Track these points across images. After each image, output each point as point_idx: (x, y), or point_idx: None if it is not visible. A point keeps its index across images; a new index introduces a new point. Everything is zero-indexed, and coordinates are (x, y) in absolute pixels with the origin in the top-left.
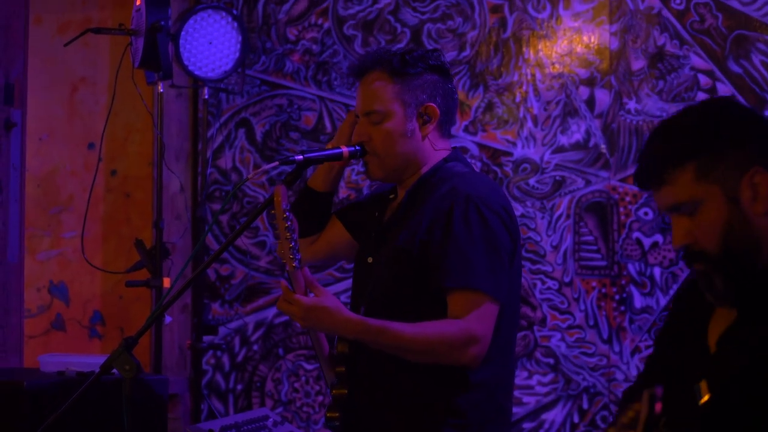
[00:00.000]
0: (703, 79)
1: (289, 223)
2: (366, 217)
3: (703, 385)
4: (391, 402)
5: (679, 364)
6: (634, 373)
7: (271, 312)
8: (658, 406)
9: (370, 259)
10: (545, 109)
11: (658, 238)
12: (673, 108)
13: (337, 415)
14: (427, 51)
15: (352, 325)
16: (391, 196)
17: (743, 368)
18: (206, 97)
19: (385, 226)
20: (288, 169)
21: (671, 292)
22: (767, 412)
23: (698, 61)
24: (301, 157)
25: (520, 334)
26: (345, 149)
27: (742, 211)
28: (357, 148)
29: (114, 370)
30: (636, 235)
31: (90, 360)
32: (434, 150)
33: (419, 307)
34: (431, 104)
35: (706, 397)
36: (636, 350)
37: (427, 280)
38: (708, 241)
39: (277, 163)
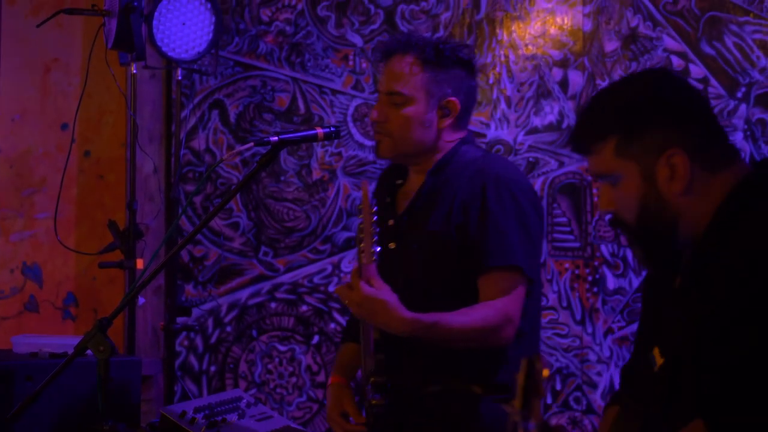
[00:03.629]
0: (676, 61)
1: (375, 218)
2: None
3: (656, 351)
4: (431, 382)
5: (642, 331)
6: (606, 354)
7: (244, 293)
8: (543, 373)
9: (392, 245)
10: (518, 91)
11: None
12: None
13: (383, 402)
14: (459, 45)
15: (406, 323)
16: (399, 182)
17: (685, 332)
18: (179, 78)
19: (407, 210)
20: (263, 150)
21: (644, 273)
22: (711, 372)
23: (671, 42)
24: (276, 138)
25: None
26: (320, 130)
27: (658, 189)
28: (332, 129)
29: (88, 351)
30: (609, 216)
31: (63, 341)
32: (445, 141)
33: (456, 289)
34: (453, 99)
35: (659, 363)
36: (609, 331)
37: (464, 262)
38: (626, 213)
39: (251, 144)
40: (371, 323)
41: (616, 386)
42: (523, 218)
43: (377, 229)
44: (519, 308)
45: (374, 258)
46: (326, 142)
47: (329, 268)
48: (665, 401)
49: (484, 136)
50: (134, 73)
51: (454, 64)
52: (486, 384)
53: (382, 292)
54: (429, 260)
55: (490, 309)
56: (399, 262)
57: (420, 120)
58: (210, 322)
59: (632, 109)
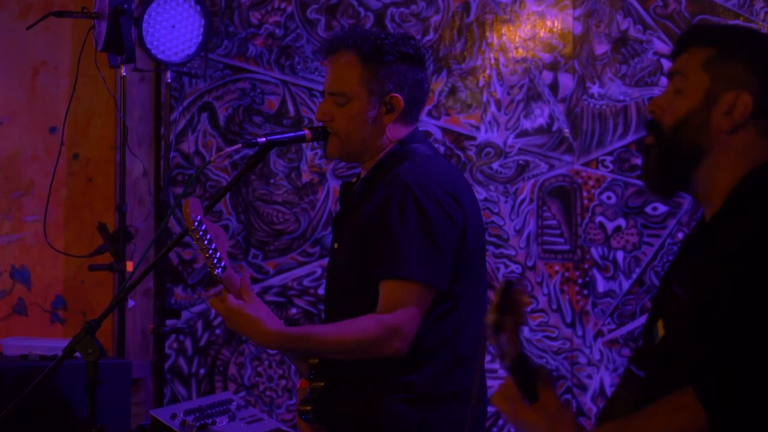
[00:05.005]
0: (666, 64)
1: (200, 233)
2: None
3: (660, 323)
4: (348, 385)
5: (652, 304)
6: (597, 356)
7: None
8: (523, 299)
9: (336, 245)
10: (508, 94)
11: (621, 222)
12: (636, 93)
13: (309, 408)
14: (401, 38)
15: (271, 336)
16: (354, 180)
17: (684, 305)
18: (169, 80)
19: (344, 210)
20: (251, 152)
21: (634, 276)
22: (701, 340)
23: (661, 45)
24: (263, 139)
25: None
26: (308, 131)
27: (709, 115)
28: (320, 126)
29: (77, 354)
30: (599, 219)
31: (53, 344)
32: (393, 137)
33: (373, 294)
34: (396, 95)
35: (660, 335)
36: (599, 334)
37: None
38: (667, 117)
39: (239, 145)
40: (242, 336)
41: (607, 389)
42: (429, 227)
43: (213, 245)
44: (411, 320)
45: (217, 273)
46: (315, 144)
47: (319, 271)
48: (660, 374)
49: (473, 138)
50: (124, 76)
51: (395, 59)
52: (392, 383)
53: (249, 305)
54: (349, 261)
55: (372, 321)
56: (336, 262)
57: (363, 118)
58: (199, 325)
59: (741, 40)
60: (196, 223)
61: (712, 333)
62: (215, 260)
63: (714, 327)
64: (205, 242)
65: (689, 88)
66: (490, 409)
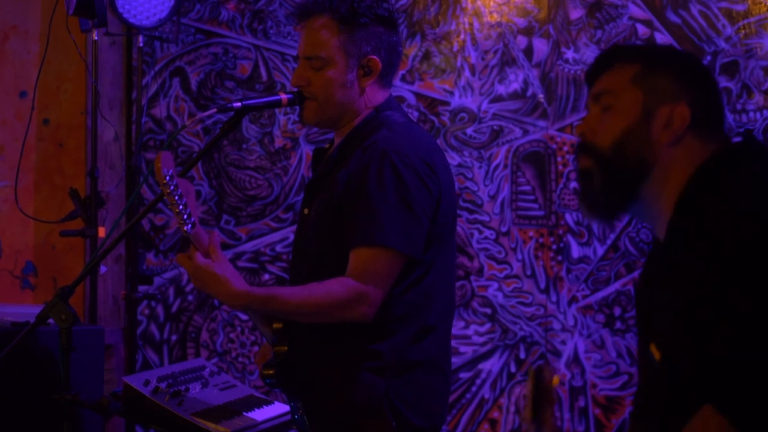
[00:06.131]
0: (642, 29)
1: (172, 188)
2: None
3: (653, 347)
4: (314, 351)
5: (639, 325)
6: (571, 323)
7: None
8: (553, 381)
9: (306, 210)
10: (483, 59)
11: None
12: None
13: (272, 372)
14: (375, 0)
15: (238, 296)
16: (327, 146)
17: (671, 323)
18: (141, 45)
19: (317, 176)
20: (224, 118)
21: (608, 241)
22: (706, 356)
23: (637, 10)
24: (239, 104)
25: (457, 284)
26: (283, 96)
27: (649, 130)
28: (295, 91)
29: (50, 320)
30: (573, 184)
31: (26, 310)
32: (370, 101)
33: (344, 260)
34: (374, 57)
35: (657, 358)
36: (573, 300)
37: (342, 236)
38: (603, 137)
39: (214, 110)
40: (208, 295)
41: (581, 355)
42: (406, 194)
43: (184, 201)
44: (380, 286)
45: (186, 229)
46: (288, 109)
47: (291, 237)
48: (668, 396)
49: (447, 103)
50: (95, 40)
51: (371, 21)
52: (359, 350)
53: (216, 264)
54: (320, 228)
55: (340, 285)
56: (306, 229)
57: (341, 81)
58: (171, 291)
59: (666, 53)
60: (167, 178)
61: (711, 346)
62: (185, 216)
63: (711, 339)
64: (176, 197)
65: (622, 104)
66: (463, 376)
